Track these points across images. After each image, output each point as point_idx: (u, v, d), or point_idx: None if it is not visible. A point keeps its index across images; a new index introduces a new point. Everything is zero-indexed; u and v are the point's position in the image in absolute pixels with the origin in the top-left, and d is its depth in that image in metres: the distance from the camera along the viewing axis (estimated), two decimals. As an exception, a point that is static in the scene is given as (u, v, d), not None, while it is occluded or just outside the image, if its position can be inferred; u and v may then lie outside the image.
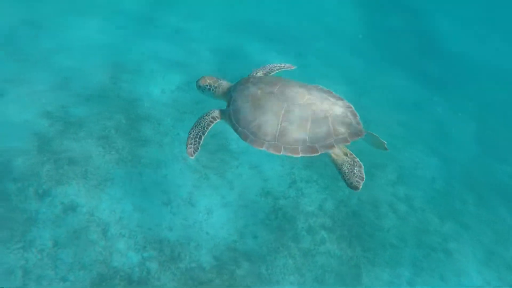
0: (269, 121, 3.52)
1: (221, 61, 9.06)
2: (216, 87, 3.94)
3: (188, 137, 3.72)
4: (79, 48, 8.01)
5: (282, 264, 5.97)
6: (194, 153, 3.67)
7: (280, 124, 3.50)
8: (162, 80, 7.57)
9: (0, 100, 6.50)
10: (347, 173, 3.39)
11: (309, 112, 3.48)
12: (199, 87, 4.00)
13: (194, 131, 3.76)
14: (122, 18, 9.67)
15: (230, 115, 3.69)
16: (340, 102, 3.58)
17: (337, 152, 3.47)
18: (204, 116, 3.83)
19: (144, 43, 8.80)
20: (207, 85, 3.96)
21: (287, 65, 4.70)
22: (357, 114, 3.53)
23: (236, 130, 3.66)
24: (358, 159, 3.43)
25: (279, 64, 4.62)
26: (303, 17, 11.11)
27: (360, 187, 3.29)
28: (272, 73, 4.44)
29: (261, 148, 3.53)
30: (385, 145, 3.64)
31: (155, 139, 6.59)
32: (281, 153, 3.51)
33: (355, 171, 3.38)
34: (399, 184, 7.27)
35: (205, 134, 3.78)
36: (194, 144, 3.71)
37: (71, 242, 5.51)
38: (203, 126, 3.82)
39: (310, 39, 10.72)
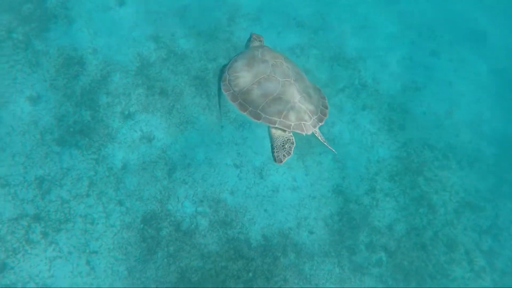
0: (246, 78, 3.94)
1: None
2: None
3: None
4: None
5: (328, 270, 5.62)
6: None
7: (251, 85, 3.88)
8: (276, 37, 7.11)
9: (118, 10, 6.51)
10: (277, 147, 3.73)
11: (280, 89, 3.83)
12: (252, 37, 4.49)
13: None
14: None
15: (231, 60, 4.16)
16: (312, 104, 3.90)
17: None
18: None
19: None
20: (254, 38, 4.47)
21: None
22: (319, 122, 3.85)
23: (223, 72, 4.11)
24: (293, 138, 3.77)
25: None
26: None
27: (283, 161, 3.63)
28: None
29: (224, 92, 3.97)
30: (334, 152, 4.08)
31: (248, 97, 6.28)
32: (233, 103, 3.89)
33: (286, 146, 3.74)
34: (488, 234, 6.37)
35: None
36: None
37: (137, 171, 5.60)
38: None
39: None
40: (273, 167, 6.03)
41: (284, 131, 3.83)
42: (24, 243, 4.95)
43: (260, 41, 4.50)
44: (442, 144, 6.96)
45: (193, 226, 5.45)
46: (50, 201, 5.22)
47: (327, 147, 4.03)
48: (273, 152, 3.75)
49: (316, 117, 3.90)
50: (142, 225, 5.33)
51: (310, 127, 3.82)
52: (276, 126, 3.75)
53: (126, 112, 5.89)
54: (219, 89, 4.17)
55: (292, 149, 3.78)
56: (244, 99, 3.90)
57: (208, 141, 5.97)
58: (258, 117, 3.79)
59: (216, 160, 5.89)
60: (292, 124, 3.76)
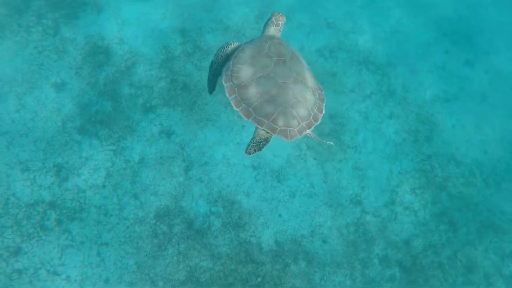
0: (247, 72, 4.00)
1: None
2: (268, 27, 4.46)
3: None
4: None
5: (339, 281, 5.49)
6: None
7: (250, 80, 3.95)
8: (305, 37, 6.92)
9: (148, 0, 6.46)
10: (254, 142, 3.94)
11: (276, 91, 3.90)
12: (271, 19, 4.47)
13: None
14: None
15: (240, 47, 4.27)
16: (305, 108, 3.94)
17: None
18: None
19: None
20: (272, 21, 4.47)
21: None
22: (307, 129, 3.92)
23: (229, 59, 4.20)
24: (270, 139, 3.97)
25: None
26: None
27: (251, 155, 3.90)
28: None
29: (223, 83, 4.05)
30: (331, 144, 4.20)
31: (271, 98, 6.16)
32: (229, 97, 3.99)
33: (260, 144, 3.92)
34: (511, 259, 6.10)
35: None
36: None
37: (154, 166, 5.57)
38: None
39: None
40: (292, 171, 5.91)
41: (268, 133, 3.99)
42: (38, 229, 5.01)
43: (277, 25, 4.48)
44: (469, 160, 6.68)
45: (205, 225, 5.41)
46: (66, 189, 5.26)
47: (324, 142, 4.28)
48: (248, 144, 3.98)
49: (306, 122, 3.96)
50: (154, 221, 5.32)
51: (295, 134, 3.90)
52: (263, 128, 3.88)
53: (148, 105, 5.86)
54: (213, 72, 4.45)
55: (263, 147, 3.97)
56: (240, 94, 3.98)
57: (227, 140, 5.89)
58: (248, 115, 3.92)
59: (234, 160, 5.81)
60: (278, 129, 3.87)
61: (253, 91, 3.95)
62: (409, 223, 6.02)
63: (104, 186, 5.39)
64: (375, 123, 6.54)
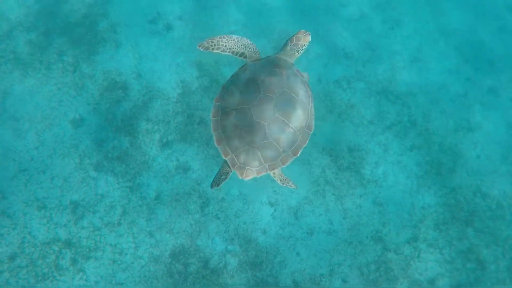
0: (235, 99, 4.05)
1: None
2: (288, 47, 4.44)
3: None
4: (256, 7, 7.55)
5: (361, 324, 5.27)
6: None
7: (233, 109, 4.01)
8: (323, 68, 6.84)
9: (165, 34, 6.51)
10: (218, 174, 4.10)
11: (249, 129, 3.94)
12: (292, 37, 4.44)
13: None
14: None
15: (243, 66, 4.32)
16: (275, 150, 4.00)
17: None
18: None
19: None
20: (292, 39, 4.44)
21: None
22: (269, 170, 4.03)
23: (231, 77, 4.25)
24: (229, 176, 4.08)
25: None
26: None
27: (212, 188, 4.04)
28: None
29: (214, 101, 4.16)
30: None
31: (288, 131, 6.06)
32: (211, 117, 4.12)
33: (221, 178, 4.07)
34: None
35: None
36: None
37: (170, 203, 5.52)
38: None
39: None
40: (310, 208, 5.77)
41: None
42: (53, 269, 4.99)
43: (296, 45, 4.44)
44: (496, 192, 6.41)
45: (221, 264, 5.29)
46: (82, 227, 5.24)
47: (288, 184, 4.42)
48: (215, 176, 4.14)
49: (270, 164, 4.05)
50: (170, 259, 5.24)
51: (252, 174, 4.00)
52: (226, 159, 4.00)
53: (164, 140, 5.85)
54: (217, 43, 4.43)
55: (224, 182, 4.12)
56: (221, 118, 4.06)
57: (243, 175, 5.80)
58: (219, 143, 4.04)
59: (251, 196, 5.71)
60: (238, 164, 3.98)
61: (231, 121, 3.99)
62: (434, 261, 5.77)
63: (119, 224, 5.35)
64: (396, 155, 6.36)
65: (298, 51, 4.46)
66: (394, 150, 6.38)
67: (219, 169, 4.18)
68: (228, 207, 5.59)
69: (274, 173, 4.23)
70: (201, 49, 4.40)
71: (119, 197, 5.47)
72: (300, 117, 4.13)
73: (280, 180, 4.43)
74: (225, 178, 4.13)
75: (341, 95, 6.61)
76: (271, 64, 4.23)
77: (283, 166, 4.13)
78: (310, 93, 4.33)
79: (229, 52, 4.44)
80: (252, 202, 5.67)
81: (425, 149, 6.51)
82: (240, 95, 4.06)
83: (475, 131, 6.86)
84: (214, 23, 6.66)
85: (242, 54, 4.43)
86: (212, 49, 4.46)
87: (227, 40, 4.42)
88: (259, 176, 4.03)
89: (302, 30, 4.42)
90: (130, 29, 6.45)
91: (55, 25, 6.28)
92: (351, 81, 6.77)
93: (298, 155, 4.18)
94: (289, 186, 4.43)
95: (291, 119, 4.05)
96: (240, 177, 4.00)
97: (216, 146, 4.09)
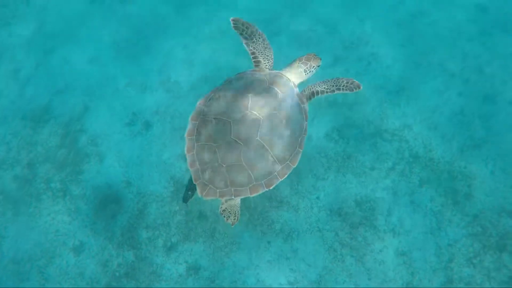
0: (219, 107, 3.78)
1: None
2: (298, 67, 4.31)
3: None
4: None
5: None
6: None
7: (213, 117, 3.74)
8: (310, 124, 6.68)
9: (145, 134, 6.45)
10: (186, 191, 4.06)
11: (224, 145, 3.71)
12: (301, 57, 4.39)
13: None
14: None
15: (238, 74, 4.13)
16: (243, 176, 3.72)
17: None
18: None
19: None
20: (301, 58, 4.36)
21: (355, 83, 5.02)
22: (231, 195, 3.78)
23: (224, 81, 4.07)
24: (193, 193, 4.02)
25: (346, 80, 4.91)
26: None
27: (187, 201, 4.04)
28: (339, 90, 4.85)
29: (197, 104, 4.08)
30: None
31: (291, 201, 5.85)
32: (190, 120, 4.01)
33: (188, 194, 3.98)
34: None
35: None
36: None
37: (188, 311, 5.30)
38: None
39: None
40: (331, 278, 5.48)
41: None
42: None
43: (304, 63, 4.24)
44: (522, 206, 6.04)
45: None
46: None
47: (231, 221, 4.24)
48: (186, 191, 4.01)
49: (236, 189, 3.79)
50: None
51: (213, 194, 3.79)
52: (191, 170, 3.84)
53: (169, 244, 5.67)
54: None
55: (191, 199, 3.96)
56: (199, 125, 3.87)
57: (257, 260, 5.56)
58: (189, 150, 3.91)
59: (269, 280, 5.45)
60: (200, 180, 3.81)
61: (207, 130, 3.79)
62: (476, 301, 5.39)
63: None
64: (407, 196, 6.07)
65: (305, 71, 4.24)
66: (403, 192, 6.09)
67: (188, 184, 4.05)
68: (248, 300, 5.34)
69: (232, 199, 3.99)
70: (232, 24, 4.25)
71: (135, 318, 5.26)
72: (284, 147, 3.84)
73: (229, 211, 4.13)
74: (192, 195, 4.05)
75: (334, 148, 6.40)
76: (269, 80, 3.99)
77: (250, 196, 3.84)
78: (305, 123, 4.09)
79: (251, 49, 4.25)
80: (271, 285, 5.40)
81: (435, 181, 6.20)
82: (225, 104, 3.80)
83: (482, 147, 6.55)
84: (190, 110, 6.58)
85: (257, 61, 4.23)
86: (241, 33, 4.29)
87: (260, 39, 4.24)
88: (221, 199, 3.81)
89: (313, 53, 4.27)
90: (110, 138, 6.40)
91: (37, 154, 6.27)
92: (341, 130, 6.57)
93: (271, 188, 3.91)
94: (229, 221, 4.17)
95: (274, 147, 3.76)
96: (200, 195, 3.80)
97: (186, 153, 3.95)
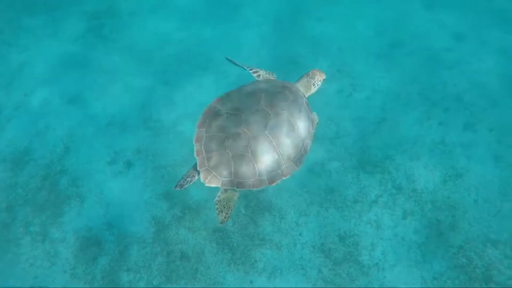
0: (231, 103, 3.95)
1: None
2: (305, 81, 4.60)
3: None
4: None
5: None
6: None
7: (225, 111, 3.88)
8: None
9: (127, 173, 6.41)
10: (183, 177, 4.10)
11: (235, 136, 3.74)
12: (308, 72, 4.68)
13: None
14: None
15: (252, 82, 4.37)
16: (251, 167, 3.73)
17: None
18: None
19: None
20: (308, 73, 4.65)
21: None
22: (233, 186, 3.79)
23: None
24: (195, 179, 4.06)
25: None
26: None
27: (175, 189, 4.05)
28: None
29: (211, 103, 4.17)
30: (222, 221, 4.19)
31: (273, 239, 5.79)
32: (201, 116, 4.08)
33: (187, 179, 4.05)
34: None
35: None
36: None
37: None
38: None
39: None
40: (316, 318, 5.38)
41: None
42: None
43: (312, 78, 4.52)
44: (506, 235, 6.01)
45: None
46: None
47: (221, 217, 4.13)
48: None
49: (239, 180, 3.78)
50: None
51: (215, 182, 3.78)
52: (197, 158, 3.85)
53: (150, 287, 5.56)
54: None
55: (188, 184, 3.99)
56: (210, 118, 3.93)
57: (239, 301, 5.47)
58: (197, 140, 3.92)
59: (250, 325, 5.35)
60: (205, 167, 3.79)
61: (218, 122, 3.85)
62: None
63: None
64: (390, 229, 6.03)
65: (314, 84, 4.52)
66: (387, 225, 6.06)
67: (187, 171, 4.00)
68: None
69: (233, 192, 4.05)
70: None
71: None
72: (290, 146, 3.92)
73: (223, 204, 4.07)
74: (190, 181, 3.96)
75: (316, 182, 6.37)
76: (282, 85, 4.21)
77: (253, 189, 3.84)
78: (311, 130, 4.20)
79: (251, 67, 4.66)
80: (255, 331, 5.30)
81: (419, 212, 6.18)
82: (238, 102, 3.93)
83: (464, 176, 6.56)
84: (171, 148, 6.58)
85: (258, 75, 4.61)
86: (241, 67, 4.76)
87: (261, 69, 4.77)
88: (222, 187, 3.79)
89: (317, 68, 4.65)
90: (91, 178, 6.35)
91: (16, 196, 6.20)
92: (323, 164, 6.57)
93: (273, 184, 3.92)
94: (219, 216, 4.08)
95: (280, 144, 3.82)
96: (202, 180, 3.76)
97: (194, 142, 3.91)
